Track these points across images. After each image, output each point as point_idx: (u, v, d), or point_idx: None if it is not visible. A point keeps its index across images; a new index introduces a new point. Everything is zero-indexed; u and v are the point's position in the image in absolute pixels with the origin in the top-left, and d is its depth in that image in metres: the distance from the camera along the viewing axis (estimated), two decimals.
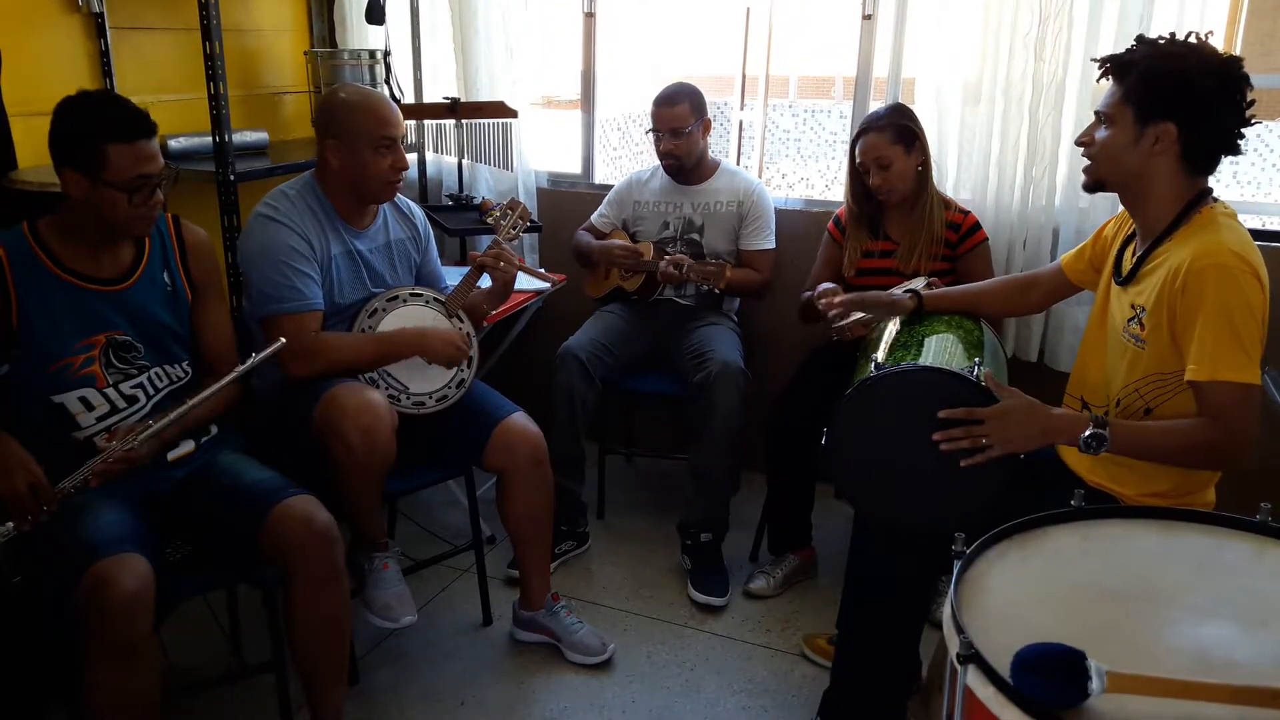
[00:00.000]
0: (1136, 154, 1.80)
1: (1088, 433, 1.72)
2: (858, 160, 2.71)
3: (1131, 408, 1.87)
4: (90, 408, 1.98)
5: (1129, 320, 1.86)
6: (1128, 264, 1.92)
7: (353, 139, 2.30)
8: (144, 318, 2.03)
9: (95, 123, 1.84)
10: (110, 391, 2.00)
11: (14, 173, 2.51)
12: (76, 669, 1.75)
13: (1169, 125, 1.76)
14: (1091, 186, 1.92)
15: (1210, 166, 1.83)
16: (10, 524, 1.75)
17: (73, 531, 1.82)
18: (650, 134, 3.11)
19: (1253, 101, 1.77)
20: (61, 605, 1.76)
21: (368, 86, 3.29)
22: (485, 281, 2.57)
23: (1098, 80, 1.87)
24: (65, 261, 1.94)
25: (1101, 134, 1.85)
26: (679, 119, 3.01)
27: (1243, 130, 1.79)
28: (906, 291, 2.32)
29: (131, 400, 2.03)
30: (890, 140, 2.64)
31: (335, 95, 2.39)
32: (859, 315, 2.39)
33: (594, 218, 3.28)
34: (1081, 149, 1.90)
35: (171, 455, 2.07)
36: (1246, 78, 1.75)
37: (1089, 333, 2.03)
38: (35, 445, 1.96)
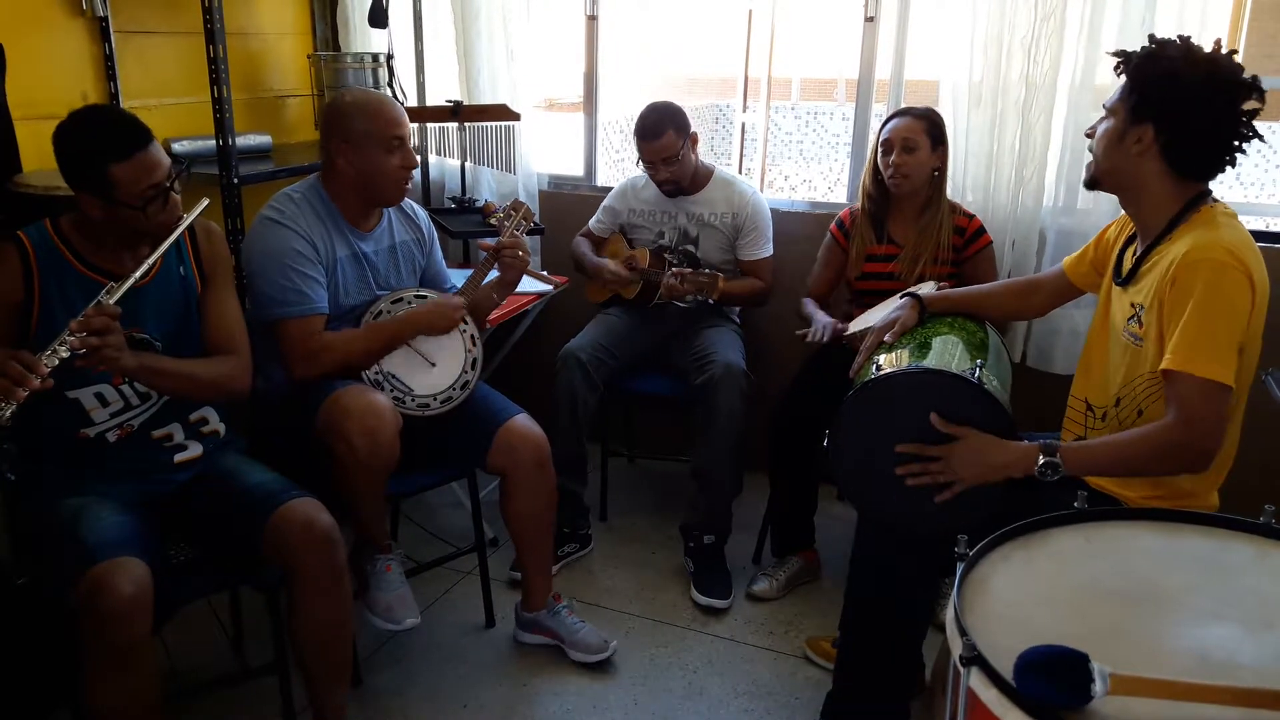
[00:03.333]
0: (1121, 152, 1.82)
1: (1040, 462, 1.74)
2: (884, 138, 2.71)
3: (1128, 408, 1.88)
4: (105, 403, 1.98)
5: (1129, 319, 1.87)
6: (1128, 264, 1.93)
7: (362, 140, 2.30)
8: (163, 315, 2.03)
9: (91, 146, 1.84)
10: (125, 388, 2.00)
11: (18, 176, 2.52)
12: (77, 671, 1.76)
13: (1148, 128, 1.77)
14: (1089, 183, 1.93)
15: (1201, 172, 1.82)
16: (2, 406, 1.64)
17: (72, 535, 1.82)
18: (639, 164, 3.08)
19: (1255, 112, 1.76)
20: (62, 608, 1.76)
21: (371, 89, 3.30)
22: (493, 275, 2.58)
23: (1117, 74, 1.87)
24: (88, 258, 1.95)
25: (1101, 126, 1.87)
26: (668, 149, 2.96)
27: (1239, 142, 1.78)
28: (904, 296, 2.31)
29: (145, 398, 2.03)
30: (923, 129, 2.68)
31: (342, 99, 2.39)
32: (866, 325, 2.38)
33: (591, 223, 3.29)
34: (1088, 140, 1.92)
35: (178, 458, 2.08)
36: (1247, 88, 1.74)
37: (1092, 334, 2.04)
38: (44, 441, 1.97)
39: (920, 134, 2.66)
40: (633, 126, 3.02)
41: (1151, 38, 1.83)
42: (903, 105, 2.82)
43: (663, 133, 2.95)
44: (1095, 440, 1.84)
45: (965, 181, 3.03)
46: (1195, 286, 1.70)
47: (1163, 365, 1.72)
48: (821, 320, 2.68)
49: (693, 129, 3.04)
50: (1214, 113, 1.74)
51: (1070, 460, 1.74)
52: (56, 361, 1.72)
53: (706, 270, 2.91)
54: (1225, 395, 1.70)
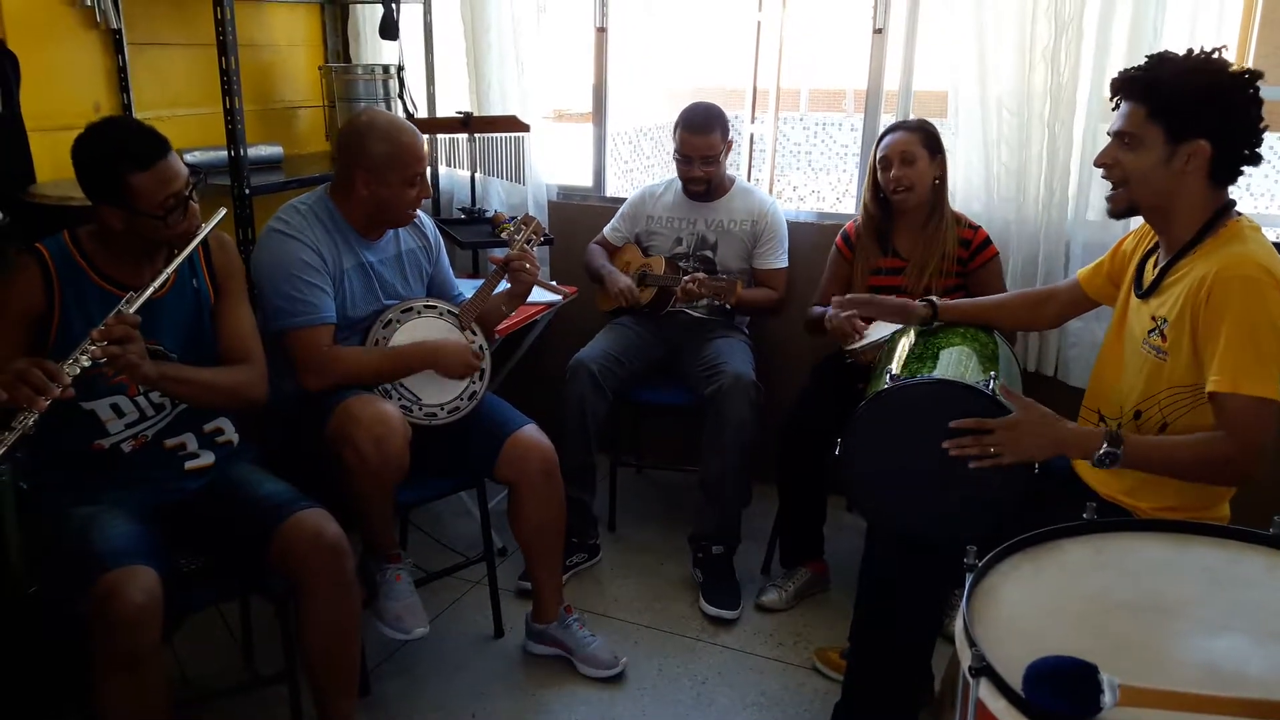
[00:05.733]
0: (1168, 173, 1.79)
1: (1101, 450, 1.72)
2: (881, 155, 2.71)
3: (1151, 420, 1.87)
4: (120, 414, 2.00)
5: (1149, 332, 1.86)
6: (1149, 276, 1.92)
7: (384, 171, 2.30)
8: (177, 327, 2.05)
9: (111, 157, 1.85)
10: (140, 399, 2.01)
11: (33, 186, 2.54)
12: (87, 678, 1.76)
13: (1202, 143, 1.75)
14: (1122, 212, 1.90)
15: (1235, 178, 1.83)
16: (25, 415, 1.66)
17: (82, 542, 1.83)
18: (677, 156, 3.10)
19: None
20: (71, 615, 1.77)
21: (388, 111, 3.29)
22: (502, 286, 2.59)
23: (1111, 98, 1.86)
24: (105, 270, 1.96)
25: (1127, 156, 1.82)
26: (713, 147, 3.00)
27: (1261, 141, 1.79)
28: (922, 301, 2.32)
29: (159, 409, 2.04)
30: (919, 141, 2.68)
31: (366, 125, 2.33)
32: (872, 340, 2.39)
33: (606, 231, 3.29)
34: (1103, 171, 1.88)
35: (189, 465, 2.09)
36: (1256, 86, 1.76)
37: (1106, 345, 2.03)
38: (58, 451, 1.98)
39: (917, 145, 2.67)
40: (637, 139, 3.04)
41: (1158, 56, 1.81)
42: (911, 117, 2.82)
43: (711, 130, 2.99)
44: (1154, 438, 1.82)
45: (972, 194, 3.03)
46: (1231, 304, 1.70)
47: (1209, 388, 1.72)
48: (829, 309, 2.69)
49: (730, 137, 3.07)
50: (1254, 115, 1.76)
51: (1132, 451, 1.73)
52: (78, 370, 1.74)
53: (724, 275, 2.91)
54: (1273, 410, 1.70)
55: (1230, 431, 1.70)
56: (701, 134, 2.99)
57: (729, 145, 3.07)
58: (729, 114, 3.16)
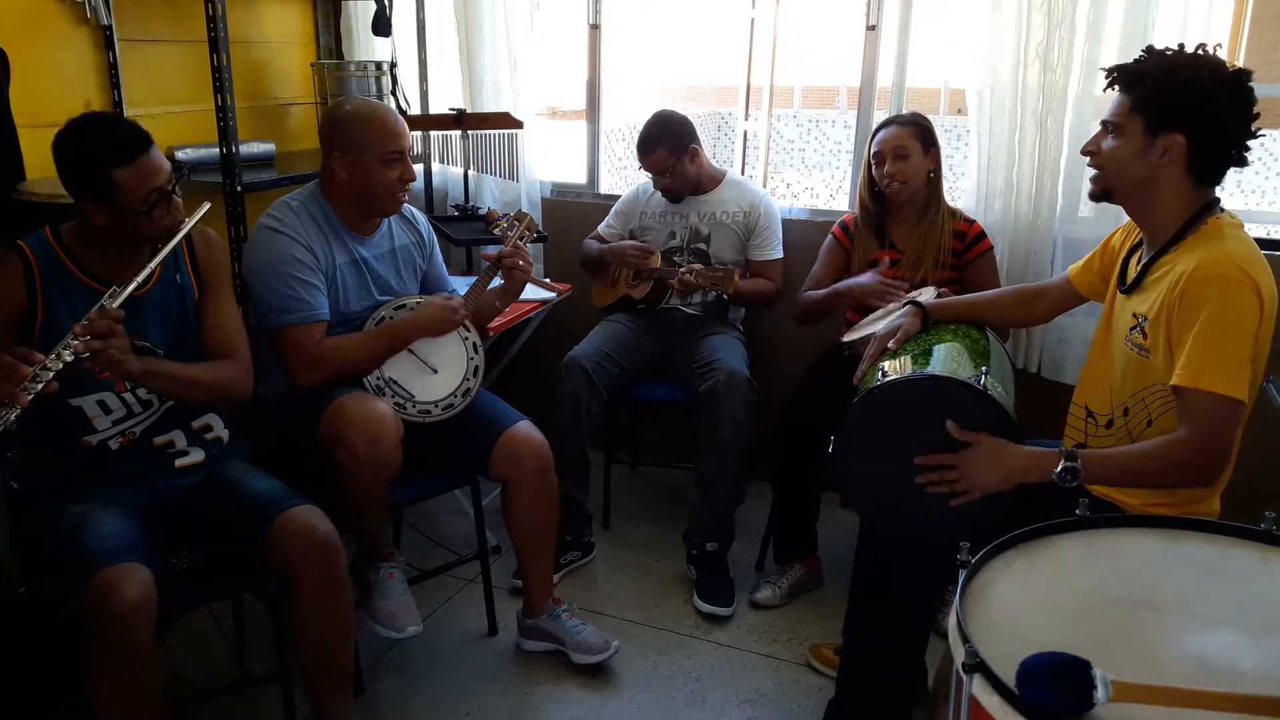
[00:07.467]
0: (1143, 164, 1.80)
1: (1059, 468, 1.73)
2: (875, 150, 2.72)
3: (1138, 417, 1.87)
4: (107, 411, 1.99)
5: (1131, 329, 1.87)
6: (1132, 272, 1.93)
7: (360, 152, 2.30)
8: (163, 323, 2.04)
9: (94, 152, 1.84)
10: (127, 396, 2.00)
11: (22, 184, 2.53)
12: (81, 678, 1.76)
13: (1178, 137, 1.76)
14: (1098, 196, 1.92)
15: (1217, 178, 1.83)
16: (5, 411, 1.64)
17: (75, 541, 1.82)
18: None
19: (1258, 114, 1.77)
20: (64, 614, 1.77)
21: (373, 98, 3.30)
22: (495, 283, 2.59)
23: (1104, 89, 1.87)
24: (88, 266, 1.95)
25: (1109, 144, 1.84)
26: (657, 164, 3.05)
27: (1248, 143, 1.79)
28: (908, 304, 2.31)
29: (146, 405, 2.04)
30: (912, 135, 2.69)
31: (341, 108, 2.40)
32: (869, 331, 2.38)
33: (601, 228, 3.30)
34: (1088, 158, 1.90)
35: (179, 463, 2.08)
36: (1252, 89, 1.76)
37: (1095, 341, 2.04)
38: (47, 449, 1.97)
39: (910, 140, 2.68)
40: (631, 136, 3.07)
41: (1150, 49, 1.83)
42: (905, 112, 2.83)
43: (653, 150, 3.04)
44: (1112, 450, 1.83)
45: (966, 189, 3.03)
46: (1204, 302, 1.70)
47: (1173, 381, 1.72)
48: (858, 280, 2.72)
49: (691, 145, 3.07)
50: (1238, 115, 1.75)
51: (1091, 467, 1.74)
52: (60, 365, 1.72)
53: (721, 265, 2.92)
54: (1238, 410, 1.69)
55: (1190, 428, 1.70)
56: (645, 154, 3.06)
57: (693, 153, 3.06)
58: (723, 110, 3.17)
